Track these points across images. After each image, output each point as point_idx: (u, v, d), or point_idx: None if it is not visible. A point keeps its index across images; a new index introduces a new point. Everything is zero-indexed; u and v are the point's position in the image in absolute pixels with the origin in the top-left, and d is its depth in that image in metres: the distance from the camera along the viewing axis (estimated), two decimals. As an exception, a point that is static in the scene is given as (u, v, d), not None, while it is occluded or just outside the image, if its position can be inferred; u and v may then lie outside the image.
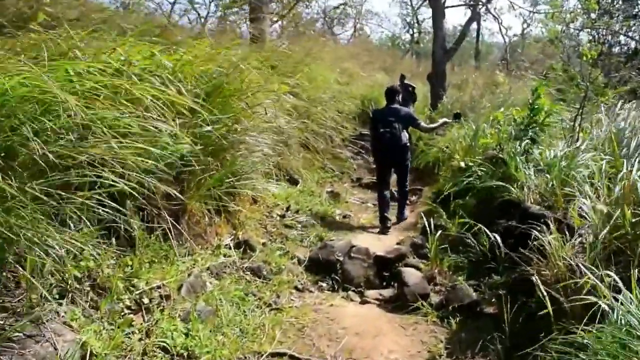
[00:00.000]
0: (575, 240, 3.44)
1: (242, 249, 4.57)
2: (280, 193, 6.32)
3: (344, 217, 6.68)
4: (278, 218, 5.62)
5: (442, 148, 8.78)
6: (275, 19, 23.73)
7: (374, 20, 36.68)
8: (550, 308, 2.90)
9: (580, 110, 6.56)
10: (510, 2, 17.74)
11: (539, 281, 3.13)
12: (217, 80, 4.58)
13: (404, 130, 6.64)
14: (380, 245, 5.36)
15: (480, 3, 15.97)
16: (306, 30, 23.91)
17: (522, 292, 3.50)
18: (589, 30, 16.41)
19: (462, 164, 5.97)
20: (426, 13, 29.14)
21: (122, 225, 3.53)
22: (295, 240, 5.27)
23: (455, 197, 5.97)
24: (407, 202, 7.30)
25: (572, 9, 18.10)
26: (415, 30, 33.94)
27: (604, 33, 13.71)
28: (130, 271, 3.45)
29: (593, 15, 16.53)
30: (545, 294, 2.99)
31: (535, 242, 3.48)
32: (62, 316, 2.82)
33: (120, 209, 3.27)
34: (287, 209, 5.83)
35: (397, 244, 5.31)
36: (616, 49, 16.31)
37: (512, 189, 4.79)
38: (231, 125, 4.59)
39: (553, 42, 19.75)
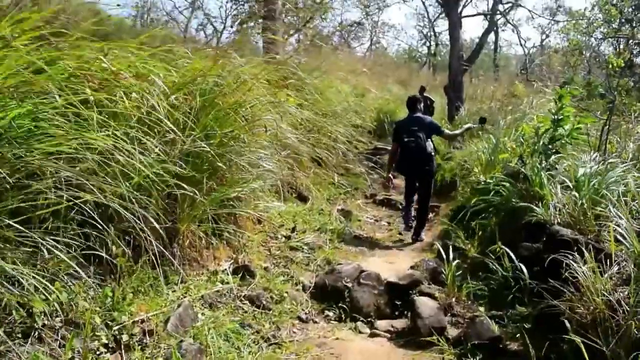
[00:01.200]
0: (613, 269, 3.01)
1: (240, 275, 4.19)
2: (288, 212, 5.95)
3: (355, 237, 6.28)
4: (283, 239, 5.24)
5: (460, 162, 8.38)
6: (291, 32, 23.74)
7: (390, 33, 36.29)
8: (586, 354, 2.47)
9: (608, 122, 6.13)
10: (530, 11, 17.26)
11: (572, 319, 2.71)
12: (213, 93, 4.24)
13: (429, 140, 6.53)
14: (392, 269, 4.95)
15: (497, 12, 15.55)
16: (322, 44, 23.83)
17: (552, 328, 3.07)
18: (611, 39, 15.95)
19: (482, 180, 5.54)
20: (443, 25, 28.79)
21: (106, 251, 3.24)
22: (301, 264, 4.88)
23: (474, 215, 5.56)
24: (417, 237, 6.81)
25: (593, 19, 17.66)
26: (432, 42, 33.60)
27: (630, 42, 13.21)
28: (110, 303, 3.10)
29: (614, 25, 16.10)
30: (579, 335, 2.57)
31: (566, 272, 3.05)
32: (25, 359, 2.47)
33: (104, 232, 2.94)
34: (294, 229, 5.44)
35: (411, 267, 4.89)
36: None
37: (537, 208, 4.37)
38: (228, 141, 4.24)
39: (574, 52, 19.27)
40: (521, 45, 22.54)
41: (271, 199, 5.98)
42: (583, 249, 3.12)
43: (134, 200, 3.26)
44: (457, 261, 4.57)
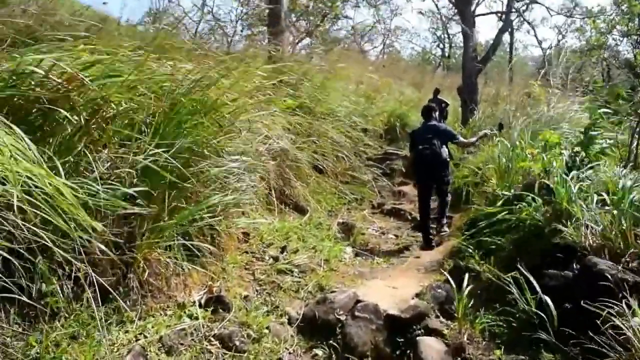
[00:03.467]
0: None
1: (212, 308, 3.56)
2: (281, 227, 5.31)
3: (356, 255, 5.60)
4: (271, 261, 4.59)
5: (474, 169, 7.69)
6: (302, 35, 23.29)
7: (404, 37, 35.59)
8: None
9: (638, 129, 5.44)
10: (547, 8, 16.51)
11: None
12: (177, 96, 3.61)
13: (444, 146, 6.53)
14: (395, 296, 4.25)
15: (513, 10, 14.82)
16: (334, 47, 23.30)
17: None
18: (634, 36, 15.14)
19: (498, 193, 4.87)
20: (457, 27, 28.02)
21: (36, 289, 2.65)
22: (289, 290, 4.23)
23: (490, 229, 4.89)
24: (440, 227, 6.73)
25: (611, 17, 16.86)
26: (445, 44, 32.84)
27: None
28: (35, 355, 2.50)
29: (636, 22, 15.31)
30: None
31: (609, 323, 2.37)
32: None
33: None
34: (283, 249, 4.80)
35: (417, 295, 4.18)
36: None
37: (565, 228, 3.69)
38: (201, 148, 3.63)
39: (592, 52, 18.37)
40: (538, 44, 21.59)
41: (261, 212, 5.37)
42: (627, 291, 2.44)
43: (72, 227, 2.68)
44: (470, 287, 3.91)
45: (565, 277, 3.36)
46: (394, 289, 4.46)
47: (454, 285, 3.83)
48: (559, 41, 30.18)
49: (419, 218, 6.89)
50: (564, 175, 4.35)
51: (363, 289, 4.30)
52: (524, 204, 4.45)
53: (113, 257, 3.03)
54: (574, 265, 3.41)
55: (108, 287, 2.85)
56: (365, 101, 13.52)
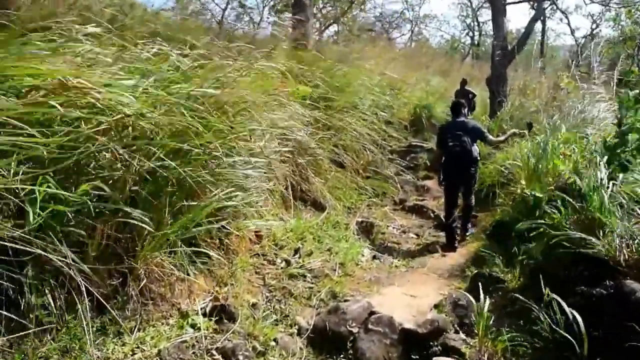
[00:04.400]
0: None
1: (217, 318, 3.38)
2: (296, 226, 5.10)
3: (374, 257, 5.35)
4: (283, 264, 4.40)
5: (500, 167, 7.37)
6: (328, 22, 23.04)
7: (432, 24, 34.90)
8: None
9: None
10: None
11: None
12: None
13: (474, 144, 6.34)
14: (412, 305, 4.02)
15: (547, -2, 14.25)
16: (360, 34, 22.94)
17: None
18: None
19: (527, 194, 4.57)
20: (487, 14, 27.28)
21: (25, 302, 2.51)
22: (301, 297, 4.03)
23: (516, 234, 4.61)
24: (464, 232, 6.54)
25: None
26: (475, 32, 32.06)
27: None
28: (21, 373, 2.35)
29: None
30: None
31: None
32: None
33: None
34: (297, 251, 4.59)
35: (435, 306, 3.95)
36: None
37: (596, 240, 3.40)
38: (203, 153, 3.43)
39: (626, 42, 17.64)
40: (571, 33, 20.76)
41: (276, 211, 5.17)
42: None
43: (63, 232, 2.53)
44: (493, 299, 3.66)
45: (597, 297, 3.08)
46: (411, 298, 4.23)
47: (473, 301, 3.57)
48: (592, 30, 29.12)
49: (443, 218, 6.68)
50: (595, 180, 4.03)
51: (378, 298, 4.08)
52: (553, 210, 4.15)
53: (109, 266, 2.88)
54: (607, 283, 3.12)
55: (100, 297, 2.69)
56: (391, 91, 13.21)
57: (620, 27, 20.49)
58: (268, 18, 21.79)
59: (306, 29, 11.50)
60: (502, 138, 7.43)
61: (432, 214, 7.54)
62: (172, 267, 3.40)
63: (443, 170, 6.62)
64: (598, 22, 28.54)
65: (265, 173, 4.42)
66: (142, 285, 3.14)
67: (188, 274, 3.53)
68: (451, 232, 6.24)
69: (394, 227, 6.91)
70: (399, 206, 8.00)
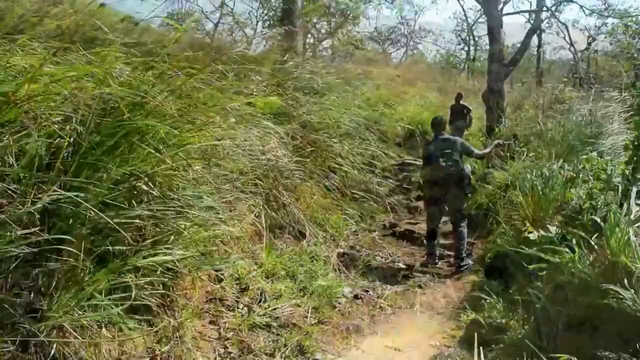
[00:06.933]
0: None
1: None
2: (266, 262, 4.43)
3: (356, 297, 4.65)
4: (245, 311, 3.71)
5: (498, 186, 6.75)
6: (322, 37, 22.65)
7: (428, 38, 34.43)
8: None
9: None
10: (581, 7, 15.46)
11: None
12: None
13: (460, 160, 6.17)
14: (397, 363, 3.35)
15: (545, 8, 13.75)
16: (354, 50, 22.51)
17: None
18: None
19: (532, 236, 3.90)
20: (483, 29, 26.77)
21: None
22: (262, 353, 3.32)
23: (519, 271, 3.98)
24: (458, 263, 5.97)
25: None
26: (471, 47, 31.53)
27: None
28: None
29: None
30: None
31: None
32: None
33: None
34: (262, 294, 3.90)
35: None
36: None
37: (623, 291, 2.74)
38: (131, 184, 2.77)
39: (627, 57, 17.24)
40: (570, 44, 20.24)
41: (243, 245, 4.50)
42: None
43: None
44: (491, 355, 3.00)
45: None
46: (396, 353, 3.53)
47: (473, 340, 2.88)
48: (589, 44, 28.74)
49: (425, 239, 6.50)
50: (616, 212, 3.38)
51: (355, 355, 3.39)
52: (564, 247, 3.48)
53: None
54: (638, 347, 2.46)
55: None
56: (384, 107, 12.66)
57: (617, 41, 20.09)
58: (261, 31, 21.37)
59: (295, 42, 11.03)
60: (487, 150, 7.29)
61: (424, 241, 6.87)
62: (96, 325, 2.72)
63: (427, 189, 6.48)
64: (594, 35, 28.13)
65: (225, 202, 3.77)
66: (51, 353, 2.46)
67: (121, 330, 2.86)
68: (431, 247, 6.20)
69: (381, 257, 6.23)
70: (389, 231, 7.36)
